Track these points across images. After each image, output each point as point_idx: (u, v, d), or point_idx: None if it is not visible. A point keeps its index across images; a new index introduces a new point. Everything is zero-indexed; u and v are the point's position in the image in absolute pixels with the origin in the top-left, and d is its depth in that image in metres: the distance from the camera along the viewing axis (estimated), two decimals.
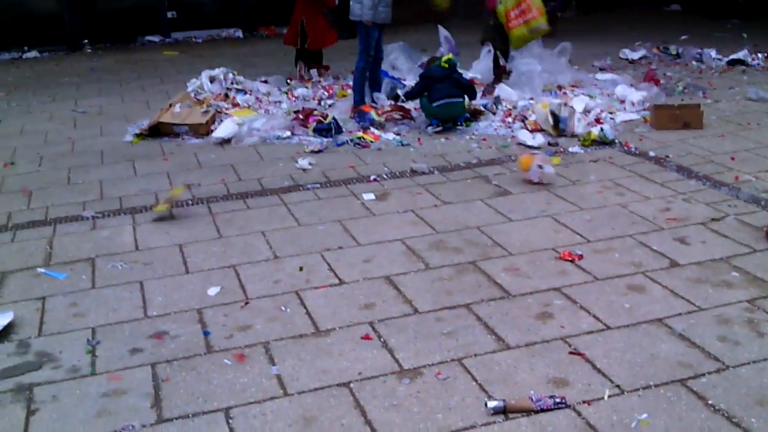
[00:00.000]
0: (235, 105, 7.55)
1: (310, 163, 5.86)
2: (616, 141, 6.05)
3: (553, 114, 6.33)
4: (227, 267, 4.14)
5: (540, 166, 5.16)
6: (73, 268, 4.21)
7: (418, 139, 6.43)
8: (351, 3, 7.09)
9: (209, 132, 6.71)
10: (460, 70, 6.83)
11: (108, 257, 4.32)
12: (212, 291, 3.86)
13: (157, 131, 6.78)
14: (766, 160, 5.52)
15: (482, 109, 6.98)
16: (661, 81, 7.98)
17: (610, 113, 6.74)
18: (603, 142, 6.02)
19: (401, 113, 7.06)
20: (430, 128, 6.65)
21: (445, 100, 6.57)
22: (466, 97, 6.71)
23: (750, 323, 3.37)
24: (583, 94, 7.03)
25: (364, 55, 7.14)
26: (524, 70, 7.63)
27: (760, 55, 9.03)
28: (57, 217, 4.97)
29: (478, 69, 8.27)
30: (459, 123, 6.69)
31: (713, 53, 9.20)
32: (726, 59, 8.89)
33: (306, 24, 8.75)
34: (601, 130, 6.10)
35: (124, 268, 4.18)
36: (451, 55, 6.83)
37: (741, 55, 8.87)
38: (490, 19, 7.71)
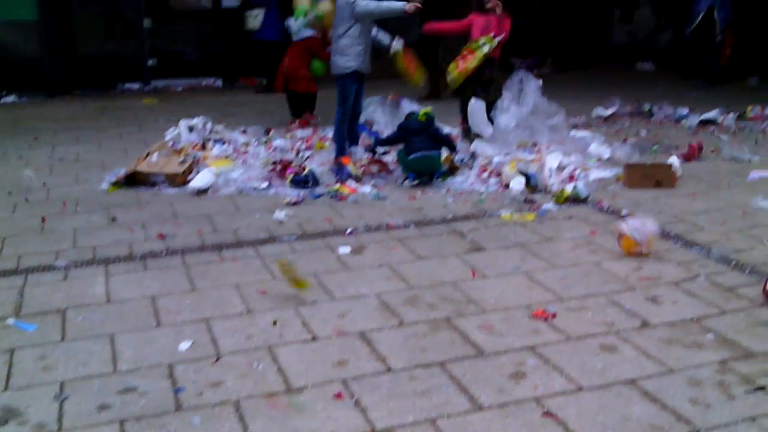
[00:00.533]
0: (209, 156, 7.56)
1: (286, 215, 5.86)
2: (589, 199, 6.12)
3: (522, 173, 6.42)
4: (200, 320, 4.11)
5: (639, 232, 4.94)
6: (43, 319, 4.15)
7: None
8: (334, 57, 7.18)
9: (186, 182, 6.71)
10: (438, 125, 6.93)
11: (79, 309, 4.28)
12: (184, 345, 3.82)
13: (134, 180, 6.77)
14: (736, 220, 5.61)
15: (458, 164, 7.05)
16: (633, 138, 8.12)
17: (584, 170, 6.82)
18: (576, 199, 6.09)
19: (378, 166, 7.12)
20: (406, 182, 6.70)
21: (422, 153, 6.62)
22: (443, 150, 6.79)
23: (721, 385, 3.39)
24: (557, 150, 7.12)
25: (342, 108, 7.23)
26: (501, 126, 7.73)
27: (731, 115, 9.22)
28: (29, 267, 4.92)
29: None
30: (436, 177, 6.75)
31: (685, 112, 9.39)
32: (698, 119, 9.05)
33: (287, 69, 9.14)
34: (575, 187, 6.18)
35: (95, 321, 4.13)
36: (429, 109, 6.92)
37: (712, 115, 9.05)
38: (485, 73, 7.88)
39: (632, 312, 4.14)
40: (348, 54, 7.02)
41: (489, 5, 7.82)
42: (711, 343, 3.78)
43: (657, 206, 5.96)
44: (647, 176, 6.47)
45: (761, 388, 3.36)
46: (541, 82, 8.02)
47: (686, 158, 7.24)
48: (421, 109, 7.02)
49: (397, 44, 7.55)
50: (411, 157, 6.65)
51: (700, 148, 7.42)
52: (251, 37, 11.78)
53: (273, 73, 9.91)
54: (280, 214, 5.87)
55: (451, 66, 7.84)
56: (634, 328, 3.95)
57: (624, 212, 5.81)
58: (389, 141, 6.96)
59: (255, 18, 11.65)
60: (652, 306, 4.22)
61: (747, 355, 3.66)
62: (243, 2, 12.48)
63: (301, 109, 9.28)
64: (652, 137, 8.34)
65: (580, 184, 6.28)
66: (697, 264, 4.79)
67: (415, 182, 6.68)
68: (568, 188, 6.17)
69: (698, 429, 3.07)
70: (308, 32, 9.09)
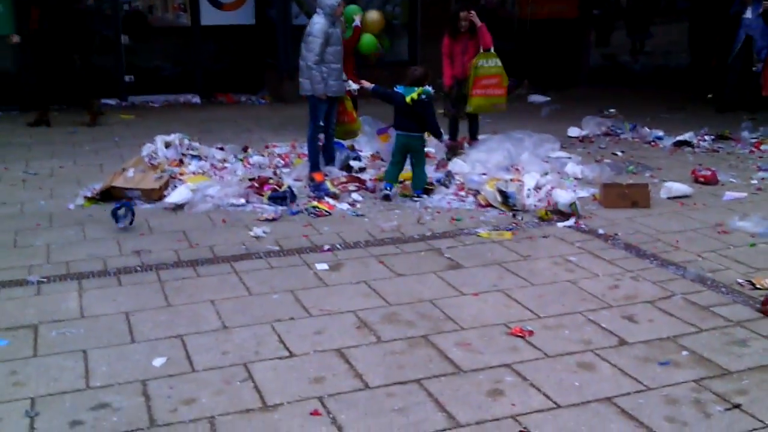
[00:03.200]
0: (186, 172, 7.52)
1: (264, 232, 5.83)
2: (576, 212, 6.19)
3: (500, 191, 6.45)
4: (174, 337, 4.06)
5: None
6: (15, 334, 4.08)
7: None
8: (300, 79, 7.19)
9: (162, 197, 6.66)
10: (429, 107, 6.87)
11: (52, 324, 4.21)
12: (158, 362, 3.77)
13: (110, 195, 6.70)
14: (711, 240, 5.66)
15: (435, 183, 7.06)
16: (608, 160, 8.20)
17: (561, 190, 6.85)
18: (567, 213, 6.20)
19: (356, 184, 7.12)
20: (383, 191, 6.79)
21: (405, 132, 6.80)
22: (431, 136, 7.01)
23: (697, 404, 3.40)
24: (534, 170, 7.16)
25: (313, 125, 7.24)
26: (483, 147, 7.79)
27: (707, 137, 9.32)
28: (1, 281, 4.84)
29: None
30: (417, 195, 6.76)
31: (661, 134, 9.48)
32: (673, 140, 9.15)
33: None
34: (557, 203, 6.26)
35: (68, 336, 4.07)
36: (420, 90, 6.73)
37: (687, 136, 9.15)
38: (453, 90, 8.10)
39: (609, 330, 4.15)
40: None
41: (463, 25, 7.97)
42: (687, 362, 3.79)
43: (633, 226, 6.00)
44: (623, 196, 6.52)
45: (737, 407, 3.37)
46: None
47: (707, 182, 7.29)
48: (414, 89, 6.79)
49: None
50: (396, 132, 6.89)
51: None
52: None
53: None
54: (257, 231, 5.83)
55: (473, 100, 8.12)
56: (611, 347, 3.96)
57: (600, 231, 5.85)
58: (381, 94, 6.99)
59: None
60: (629, 324, 4.23)
61: (722, 373, 3.68)
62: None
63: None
64: (627, 158, 8.41)
65: (562, 200, 6.33)
66: (673, 283, 4.82)
67: (390, 191, 6.76)
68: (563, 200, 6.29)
69: None
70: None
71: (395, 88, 6.89)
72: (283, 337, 4.06)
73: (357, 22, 8.13)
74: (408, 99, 6.71)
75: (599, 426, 3.22)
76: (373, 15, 9.02)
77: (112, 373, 3.68)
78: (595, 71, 15.40)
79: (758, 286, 4.70)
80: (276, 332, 4.11)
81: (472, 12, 8.07)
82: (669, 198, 6.74)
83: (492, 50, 8.18)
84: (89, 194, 6.79)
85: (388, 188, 6.80)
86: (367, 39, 8.54)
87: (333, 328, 4.17)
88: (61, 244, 5.62)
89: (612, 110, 10.76)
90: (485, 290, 4.73)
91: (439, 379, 3.62)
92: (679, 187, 6.88)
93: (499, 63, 8.23)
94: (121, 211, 5.95)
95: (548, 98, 11.35)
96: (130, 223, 5.96)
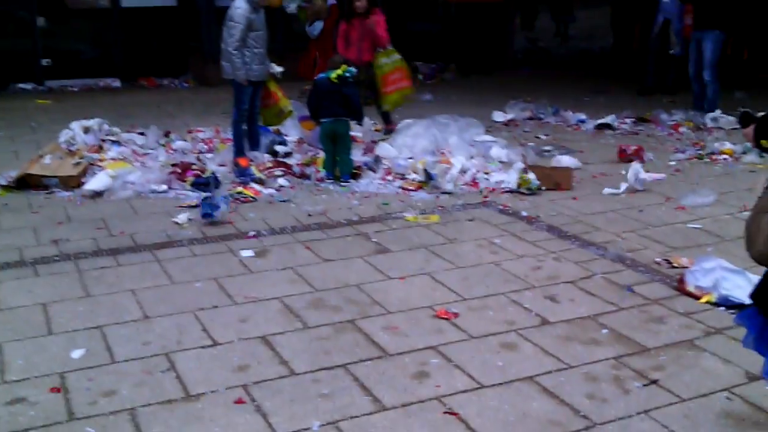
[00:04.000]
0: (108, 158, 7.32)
1: (188, 218, 5.72)
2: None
3: (425, 171, 6.51)
4: (94, 328, 3.95)
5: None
6: None
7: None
8: (222, 63, 7.06)
9: (81, 184, 6.47)
10: (352, 89, 6.88)
11: None
12: (76, 353, 3.67)
13: (26, 183, 6.48)
14: (632, 221, 5.80)
15: (363, 167, 7.05)
16: (531, 143, 8.32)
17: (485, 173, 6.93)
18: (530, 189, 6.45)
19: (282, 169, 7.04)
20: (325, 182, 6.80)
21: (331, 119, 6.74)
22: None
23: (616, 380, 3.49)
24: (461, 154, 7.21)
25: (237, 110, 7.12)
26: (408, 130, 7.80)
27: (628, 120, 9.54)
28: None
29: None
30: (345, 180, 6.74)
31: (583, 117, 9.66)
32: (595, 123, 9.33)
33: (318, 60, 9.49)
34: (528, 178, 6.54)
35: None
36: (344, 68, 6.77)
37: (609, 119, 9.35)
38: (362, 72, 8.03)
39: (532, 310, 4.22)
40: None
41: (358, 6, 8.09)
42: (607, 340, 3.88)
43: (555, 208, 6.10)
44: (546, 178, 6.62)
45: (654, 382, 3.47)
46: None
47: (634, 156, 7.49)
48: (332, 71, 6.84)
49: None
50: (321, 121, 6.80)
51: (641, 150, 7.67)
52: None
53: None
54: (180, 217, 5.72)
55: (388, 98, 8.33)
56: (534, 326, 4.03)
57: (523, 213, 5.93)
58: (310, 105, 6.97)
59: None
60: (551, 304, 4.31)
61: (641, 350, 3.78)
62: None
63: None
64: (550, 140, 8.55)
65: (532, 175, 6.51)
66: (594, 263, 4.93)
67: (330, 180, 6.77)
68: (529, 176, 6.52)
69: (595, 423, 3.15)
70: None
71: (316, 78, 6.87)
72: (206, 325, 3.99)
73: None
74: (333, 76, 6.68)
75: (522, 404, 3.27)
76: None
77: (28, 366, 3.56)
78: (521, 55, 15.59)
79: (675, 264, 4.84)
80: (199, 321, 4.05)
81: None
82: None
83: (390, 47, 8.31)
84: (4, 182, 6.54)
85: (329, 177, 6.80)
86: None
87: (258, 316, 4.12)
88: None
89: (529, 99, 10.86)
90: (412, 274, 4.75)
91: (366, 364, 3.62)
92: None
93: (398, 56, 8.39)
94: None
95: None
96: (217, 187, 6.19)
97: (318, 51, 9.80)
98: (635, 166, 6.69)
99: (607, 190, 6.54)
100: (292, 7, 8.11)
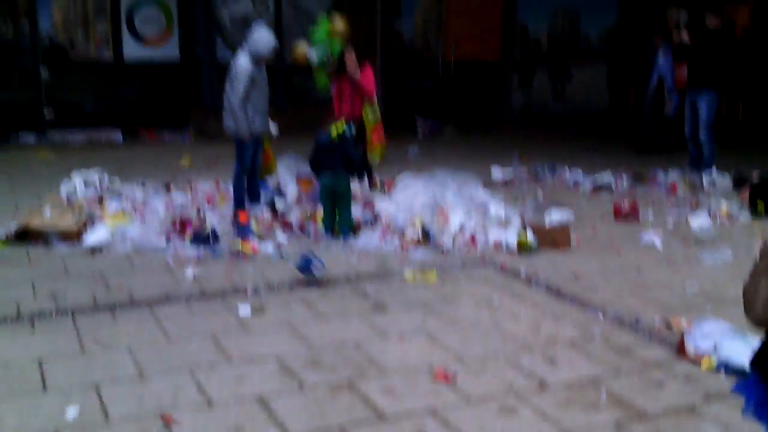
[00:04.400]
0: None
1: (188, 273, 5.70)
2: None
3: (423, 229, 6.54)
4: (89, 385, 3.91)
5: None
6: None
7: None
8: (224, 116, 7.14)
9: (80, 238, 6.47)
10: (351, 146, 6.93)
11: None
12: (71, 412, 3.62)
13: (25, 236, 6.48)
14: (630, 281, 5.80)
15: (362, 223, 7.07)
16: (529, 200, 8.36)
17: (484, 231, 6.94)
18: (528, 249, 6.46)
19: (281, 224, 7.06)
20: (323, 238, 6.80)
21: (330, 175, 6.74)
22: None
23: None
24: (459, 211, 7.23)
25: (239, 166, 7.18)
26: (407, 188, 7.85)
27: (625, 179, 9.59)
28: None
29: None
30: (344, 236, 6.75)
31: (580, 176, 9.72)
32: (593, 183, 9.38)
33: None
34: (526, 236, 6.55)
35: None
36: (342, 125, 6.85)
37: (606, 179, 9.40)
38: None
39: (531, 373, 4.18)
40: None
41: (350, 65, 8.16)
42: (606, 404, 3.85)
43: (554, 267, 6.10)
44: (544, 237, 6.63)
45: None
46: None
47: (629, 215, 7.62)
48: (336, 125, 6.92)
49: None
50: (321, 177, 6.77)
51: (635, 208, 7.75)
52: None
53: None
54: (178, 272, 5.71)
55: (376, 149, 8.38)
56: (533, 389, 3.99)
57: (522, 272, 5.93)
58: (311, 163, 6.96)
59: None
60: (550, 367, 4.28)
61: (641, 415, 3.74)
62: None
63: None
64: (548, 199, 8.59)
65: (531, 235, 6.55)
66: (593, 324, 4.91)
67: (329, 236, 6.77)
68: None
69: None
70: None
71: (316, 135, 6.94)
72: (202, 384, 3.96)
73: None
74: (333, 133, 6.74)
75: None
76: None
77: (22, 424, 3.52)
78: (518, 113, 15.75)
79: (674, 327, 4.83)
80: (195, 379, 4.01)
81: (351, 51, 8.25)
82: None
83: (376, 104, 8.45)
84: (3, 235, 6.55)
85: (328, 233, 6.83)
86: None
87: (254, 375, 4.09)
88: None
89: (526, 157, 10.96)
90: (410, 333, 4.73)
91: (362, 426, 3.58)
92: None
93: (378, 110, 8.46)
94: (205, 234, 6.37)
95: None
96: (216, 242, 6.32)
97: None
98: (699, 216, 7.05)
99: (643, 241, 6.82)
100: (314, 56, 8.23)
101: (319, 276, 5.61)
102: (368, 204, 7.74)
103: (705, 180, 9.34)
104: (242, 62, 7.00)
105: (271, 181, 8.17)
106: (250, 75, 6.95)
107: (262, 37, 7.04)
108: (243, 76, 6.94)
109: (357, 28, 13.61)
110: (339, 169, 6.77)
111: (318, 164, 6.88)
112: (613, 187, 9.25)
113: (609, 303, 5.31)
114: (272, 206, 7.50)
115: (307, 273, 5.61)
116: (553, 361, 4.35)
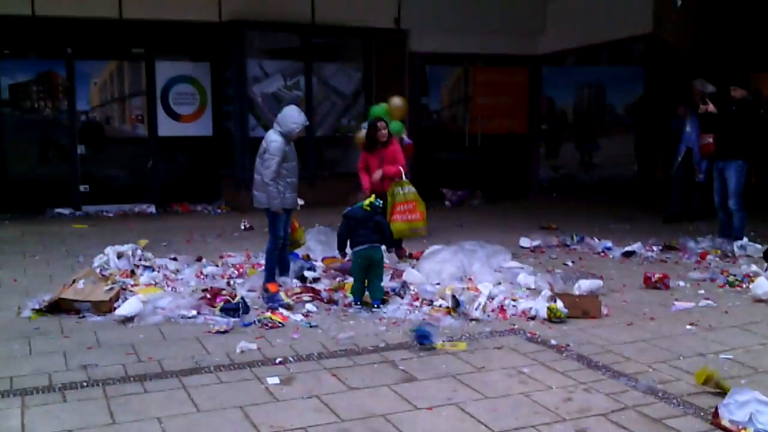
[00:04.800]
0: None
1: (241, 350, 5.70)
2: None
3: (453, 297, 6.53)
4: None
5: None
6: None
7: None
8: (254, 193, 7.29)
9: (112, 309, 6.56)
10: (380, 216, 7.13)
11: None
12: None
13: (58, 307, 6.58)
14: (663, 351, 5.72)
15: (390, 293, 7.09)
16: (558, 270, 8.33)
17: (513, 300, 6.93)
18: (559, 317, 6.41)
19: (311, 294, 7.10)
20: (354, 308, 6.81)
21: (367, 246, 6.79)
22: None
23: None
24: (487, 281, 7.24)
25: (273, 238, 7.29)
26: (435, 257, 7.89)
27: (655, 248, 9.55)
28: None
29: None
30: (375, 305, 6.76)
31: (609, 244, 9.70)
32: (621, 251, 9.35)
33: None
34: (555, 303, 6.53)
35: None
36: (373, 197, 7.09)
37: (635, 247, 9.37)
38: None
39: None
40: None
41: (382, 134, 8.57)
42: None
43: (584, 337, 6.05)
44: (574, 306, 6.59)
45: None
46: None
47: (659, 283, 7.58)
48: (365, 199, 7.11)
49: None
50: (357, 249, 6.79)
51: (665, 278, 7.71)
52: None
53: None
54: (207, 343, 5.74)
55: (399, 225, 8.44)
56: None
57: (552, 342, 5.88)
58: (341, 237, 7.05)
59: None
60: None
61: None
62: None
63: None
64: (578, 268, 8.55)
65: (560, 304, 6.52)
66: (625, 395, 4.83)
67: (358, 306, 6.78)
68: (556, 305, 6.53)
69: None
70: None
71: (348, 210, 7.06)
72: None
73: (407, 139, 8.63)
74: (366, 204, 6.87)
75: None
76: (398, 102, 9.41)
77: None
78: (546, 182, 15.83)
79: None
80: None
81: (383, 123, 8.71)
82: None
83: (404, 178, 8.64)
84: (37, 306, 6.65)
85: (357, 303, 6.86)
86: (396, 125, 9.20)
87: None
88: (6, 358, 5.47)
89: (554, 226, 10.99)
90: (439, 404, 4.68)
91: None
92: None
93: (413, 189, 8.67)
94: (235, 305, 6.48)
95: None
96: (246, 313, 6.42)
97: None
98: (761, 280, 7.10)
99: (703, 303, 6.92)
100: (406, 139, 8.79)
101: (434, 344, 5.75)
102: (396, 273, 7.77)
103: (736, 248, 9.26)
104: (273, 139, 7.17)
105: (300, 252, 8.25)
106: (282, 151, 7.12)
107: (293, 115, 7.23)
108: (275, 152, 7.10)
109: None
110: (374, 239, 6.88)
111: (353, 237, 6.94)
112: (643, 254, 9.19)
113: (641, 373, 5.23)
114: (301, 276, 7.56)
115: (425, 341, 5.74)
116: None
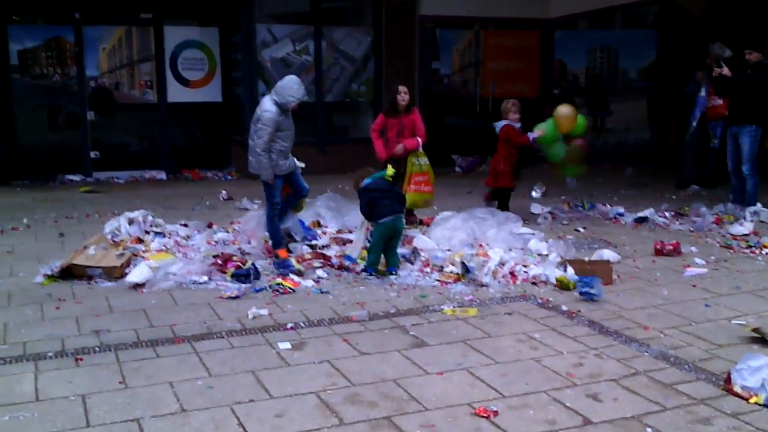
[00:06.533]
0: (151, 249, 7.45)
1: (253, 316, 5.71)
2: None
3: (462, 264, 6.50)
4: (131, 420, 3.95)
5: None
6: None
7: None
8: (249, 158, 7.19)
9: (123, 275, 6.58)
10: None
11: (5, 408, 4.08)
12: None
13: (70, 273, 6.61)
14: (674, 317, 5.70)
15: (402, 259, 7.07)
16: (570, 236, 8.29)
17: (524, 266, 6.90)
18: (568, 288, 6.36)
19: (321, 260, 7.10)
20: (363, 274, 6.77)
21: (395, 215, 6.77)
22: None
23: None
24: (499, 247, 7.21)
25: (269, 204, 7.22)
26: (446, 223, 7.86)
27: (667, 213, 9.49)
28: None
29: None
30: (391, 272, 6.75)
31: (621, 210, 9.64)
32: (634, 217, 9.29)
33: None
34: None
35: (21, 421, 3.94)
36: (391, 169, 7.09)
37: (647, 213, 9.31)
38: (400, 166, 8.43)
39: (573, 409, 4.12)
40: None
41: (403, 98, 8.51)
42: None
43: (596, 302, 6.03)
44: (585, 272, 6.56)
45: None
46: None
47: (671, 252, 7.54)
48: (384, 171, 7.09)
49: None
50: (383, 220, 6.70)
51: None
52: None
53: None
54: (219, 309, 5.76)
55: (414, 196, 8.51)
56: (576, 426, 3.92)
57: (563, 308, 5.87)
58: (367, 212, 6.84)
59: None
60: (593, 403, 4.21)
61: None
62: None
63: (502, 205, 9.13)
64: (590, 234, 8.52)
65: (571, 271, 6.52)
66: (637, 360, 4.83)
67: (371, 276, 6.73)
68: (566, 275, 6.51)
69: None
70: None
71: (362, 184, 6.96)
72: (242, 420, 3.97)
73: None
74: (388, 175, 6.92)
75: None
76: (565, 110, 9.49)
77: None
78: None
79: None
80: (235, 415, 4.02)
81: (404, 87, 8.66)
82: None
83: (420, 149, 8.66)
84: (49, 272, 6.68)
85: (371, 272, 6.79)
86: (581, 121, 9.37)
87: (294, 411, 4.09)
88: (19, 323, 5.50)
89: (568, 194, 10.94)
90: (450, 369, 4.69)
91: None
92: None
93: (427, 161, 8.73)
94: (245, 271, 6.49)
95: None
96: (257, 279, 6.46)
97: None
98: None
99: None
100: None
101: (597, 299, 6.04)
102: (407, 240, 7.75)
103: (749, 213, 9.18)
104: (267, 108, 6.95)
105: (309, 219, 8.22)
106: (275, 122, 6.97)
107: (292, 87, 6.96)
108: (268, 123, 6.92)
109: (394, 70, 13.84)
110: (398, 209, 6.86)
111: (378, 209, 6.75)
112: (655, 220, 9.14)
113: (653, 339, 5.22)
114: (289, 235, 7.54)
115: (588, 297, 6.04)
116: (596, 397, 4.28)
